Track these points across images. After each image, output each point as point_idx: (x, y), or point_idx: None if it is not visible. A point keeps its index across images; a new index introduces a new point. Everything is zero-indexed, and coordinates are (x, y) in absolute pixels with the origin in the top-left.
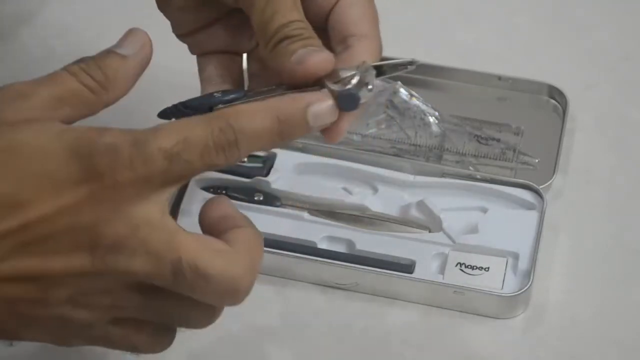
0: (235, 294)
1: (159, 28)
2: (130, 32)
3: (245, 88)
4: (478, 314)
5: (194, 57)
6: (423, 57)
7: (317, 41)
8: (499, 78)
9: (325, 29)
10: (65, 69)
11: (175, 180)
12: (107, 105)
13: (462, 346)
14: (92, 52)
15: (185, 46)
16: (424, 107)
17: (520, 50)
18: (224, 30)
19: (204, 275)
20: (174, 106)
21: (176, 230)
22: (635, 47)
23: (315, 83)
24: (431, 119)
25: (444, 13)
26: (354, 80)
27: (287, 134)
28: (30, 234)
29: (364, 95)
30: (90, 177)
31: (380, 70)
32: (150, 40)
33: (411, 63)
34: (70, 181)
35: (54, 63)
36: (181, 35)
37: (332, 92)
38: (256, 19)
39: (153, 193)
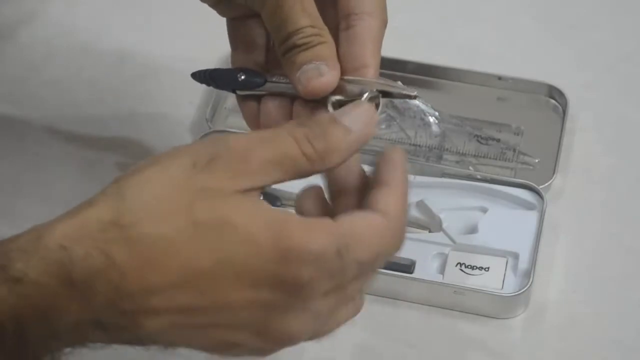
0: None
1: (159, 28)
2: (358, 105)
3: None
4: (478, 314)
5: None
6: (423, 57)
7: (326, 48)
8: (499, 78)
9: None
10: (289, 132)
11: (358, 280)
12: (316, 173)
13: (462, 346)
14: (93, 52)
15: (186, 45)
16: (424, 107)
17: (520, 50)
18: None
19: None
20: (204, 72)
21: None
22: (635, 47)
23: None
24: (431, 119)
25: (444, 13)
26: None
27: None
28: (202, 318)
29: None
30: (291, 284)
31: (386, 94)
32: (377, 118)
33: (415, 97)
34: (269, 282)
35: (55, 63)
36: (206, 3)
37: None
38: (267, 22)
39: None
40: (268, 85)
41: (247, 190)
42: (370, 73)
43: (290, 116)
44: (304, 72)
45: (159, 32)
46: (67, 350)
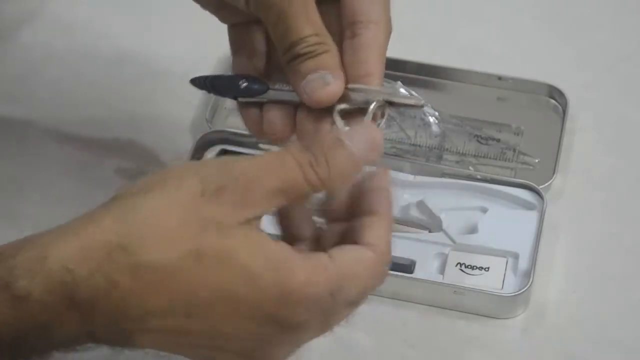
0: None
1: (159, 28)
2: (365, 130)
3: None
4: (478, 314)
5: (194, 55)
6: (423, 57)
7: (330, 57)
8: (499, 78)
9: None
10: (294, 156)
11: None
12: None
13: (462, 346)
14: (92, 52)
15: (186, 45)
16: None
17: (520, 50)
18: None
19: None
20: (204, 78)
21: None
22: (635, 47)
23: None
24: (431, 119)
25: (444, 13)
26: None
27: None
28: (194, 340)
29: None
30: (287, 324)
31: (390, 103)
32: (381, 141)
33: (422, 105)
34: (265, 320)
35: (55, 63)
36: (207, 10)
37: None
38: (271, 31)
39: None
40: (270, 92)
41: (250, 220)
42: (375, 82)
43: (294, 124)
44: (309, 82)
45: (159, 32)
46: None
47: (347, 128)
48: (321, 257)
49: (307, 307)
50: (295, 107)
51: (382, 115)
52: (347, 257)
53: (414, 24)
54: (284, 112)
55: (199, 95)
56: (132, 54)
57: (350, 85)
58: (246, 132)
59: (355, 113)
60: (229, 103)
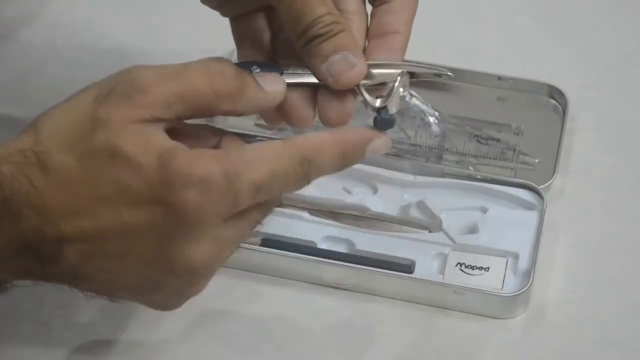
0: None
1: (159, 27)
2: (272, 75)
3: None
4: (478, 314)
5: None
6: (423, 57)
7: (347, 35)
8: (499, 78)
9: None
10: (205, 64)
11: (253, 208)
12: (224, 115)
13: (462, 346)
14: (93, 52)
15: (186, 44)
16: (424, 107)
17: (520, 50)
18: None
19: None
20: None
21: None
22: (635, 47)
23: None
24: (431, 119)
25: (444, 13)
26: (393, 103)
27: (345, 166)
28: (107, 245)
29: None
30: (178, 207)
31: (414, 75)
32: (285, 90)
33: (447, 74)
34: (158, 206)
35: (55, 63)
36: (207, 5)
37: (372, 110)
38: (284, 14)
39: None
40: (284, 77)
41: (146, 121)
42: (400, 40)
43: (314, 105)
44: (332, 64)
45: (159, 31)
46: (7, 283)
47: (377, 100)
48: (214, 150)
49: (194, 187)
50: (313, 90)
51: (405, 87)
52: (245, 146)
53: (414, 24)
54: (304, 95)
55: None
56: (132, 53)
57: (370, 62)
58: (246, 132)
59: (379, 87)
60: None
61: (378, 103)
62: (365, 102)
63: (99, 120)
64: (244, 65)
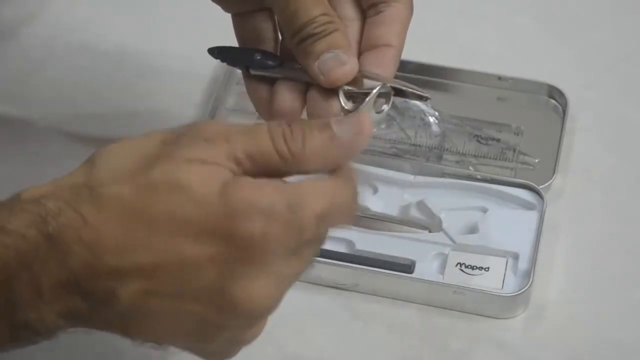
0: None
1: (159, 27)
2: (356, 115)
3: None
4: (478, 314)
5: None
6: (423, 57)
7: (341, 35)
8: (499, 78)
9: None
10: (268, 128)
11: (310, 243)
12: (290, 174)
13: (462, 346)
14: (93, 52)
15: (186, 44)
16: (424, 107)
17: (520, 50)
18: None
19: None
20: (219, 48)
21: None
22: (635, 47)
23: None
24: (431, 119)
25: (444, 13)
26: (364, 108)
27: None
28: (165, 283)
29: (372, 117)
30: (242, 239)
31: (397, 90)
32: (370, 130)
33: (427, 98)
34: (222, 238)
35: (55, 63)
36: None
37: (345, 110)
38: (279, 13)
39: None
40: (283, 68)
41: (204, 161)
42: (392, 54)
43: (303, 103)
44: (324, 62)
45: (159, 31)
46: (53, 327)
47: (349, 104)
48: (276, 180)
49: (260, 217)
50: (306, 87)
51: (387, 102)
52: (304, 181)
53: (414, 24)
54: (294, 91)
55: (199, 95)
56: (132, 53)
57: (363, 71)
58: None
59: (362, 96)
60: (230, 103)
61: (349, 106)
62: (339, 103)
63: (160, 156)
64: (244, 50)
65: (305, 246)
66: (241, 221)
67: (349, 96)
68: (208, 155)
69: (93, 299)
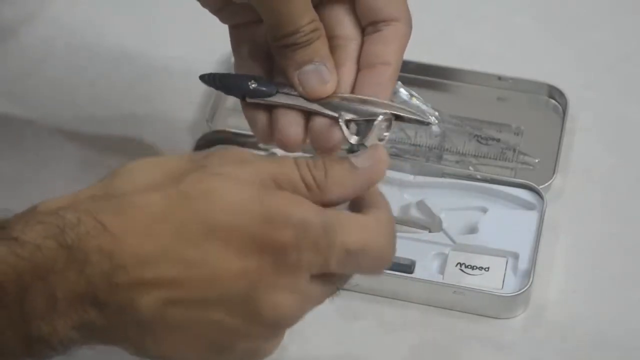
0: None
1: (159, 28)
2: (372, 147)
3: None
4: (478, 314)
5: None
6: (423, 57)
7: (323, 44)
8: (499, 78)
9: None
10: (294, 157)
11: (334, 277)
12: (317, 203)
13: (462, 346)
14: (93, 52)
15: (186, 44)
16: (424, 107)
17: (520, 50)
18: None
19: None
20: (213, 75)
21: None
22: (635, 47)
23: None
24: (431, 119)
25: (444, 13)
26: (369, 142)
27: None
28: (190, 293)
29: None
30: (275, 247)
31: (399, 117)
32: (388, 160)
33: (429, 123)
34: (255, 247)
35: (54, 63)
36: (207, 9)
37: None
38: (265, 18)
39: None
40: (279, 95)
41: (240, 177)
42: (389, 72)
43: (306, 131)
44: (304, 74)
45: (159, 32)
46: (67, 341)
47: (354, 137)
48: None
49: (294, 228)
50: (306, 114)
51: (388, 128)
52: (341, 210)
53: (414, 24)
54: (296, 120)
55: (199, 95)
56: (132, 53)
57: (359, 96)
58: (246, 132)
59: (363, 123)
60: (230, 103)
61: (354, 140)
62: (343, 135)
63: (191, 170)
64: (238, 77)
65: (329, 275)
66: (276, 229)
67: (349, 122)
68: (238, 173)
69: (109, 310)
